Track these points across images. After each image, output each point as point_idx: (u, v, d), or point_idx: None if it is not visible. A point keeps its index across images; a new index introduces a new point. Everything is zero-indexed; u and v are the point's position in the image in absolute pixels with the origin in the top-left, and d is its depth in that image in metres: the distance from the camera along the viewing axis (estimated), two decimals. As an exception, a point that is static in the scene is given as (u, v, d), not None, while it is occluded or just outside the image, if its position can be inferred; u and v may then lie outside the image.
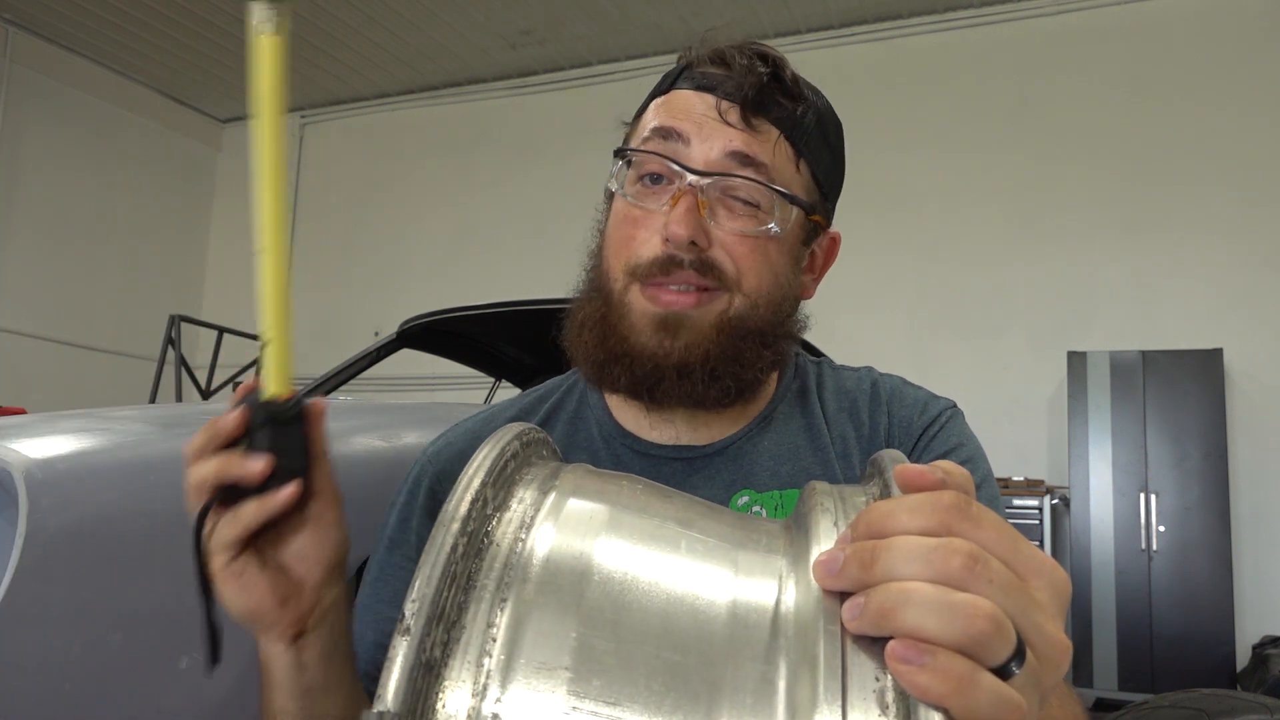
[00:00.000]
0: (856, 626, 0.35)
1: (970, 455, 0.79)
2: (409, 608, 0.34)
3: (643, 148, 0.76)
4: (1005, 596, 0.35)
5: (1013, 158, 5.70)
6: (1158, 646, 4.64)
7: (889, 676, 0.34)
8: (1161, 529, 4.73)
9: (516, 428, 0.46)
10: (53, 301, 6.89)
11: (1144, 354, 4.90)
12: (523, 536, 0.40)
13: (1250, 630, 4.75)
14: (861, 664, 0.34)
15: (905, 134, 5.96)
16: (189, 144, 8.00)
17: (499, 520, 0.40)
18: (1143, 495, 4.79)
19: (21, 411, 4.44)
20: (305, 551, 0.62)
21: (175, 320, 5.65)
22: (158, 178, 7.69)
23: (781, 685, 0.35)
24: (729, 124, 0.74)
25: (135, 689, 1.02)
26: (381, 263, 7.40)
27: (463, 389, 5.75)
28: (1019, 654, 0.35)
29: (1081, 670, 4.74)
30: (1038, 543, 4.86)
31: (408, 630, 0.33)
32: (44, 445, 1.09)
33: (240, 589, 0.60)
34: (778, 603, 0.38)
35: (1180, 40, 5.45)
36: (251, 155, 0.58)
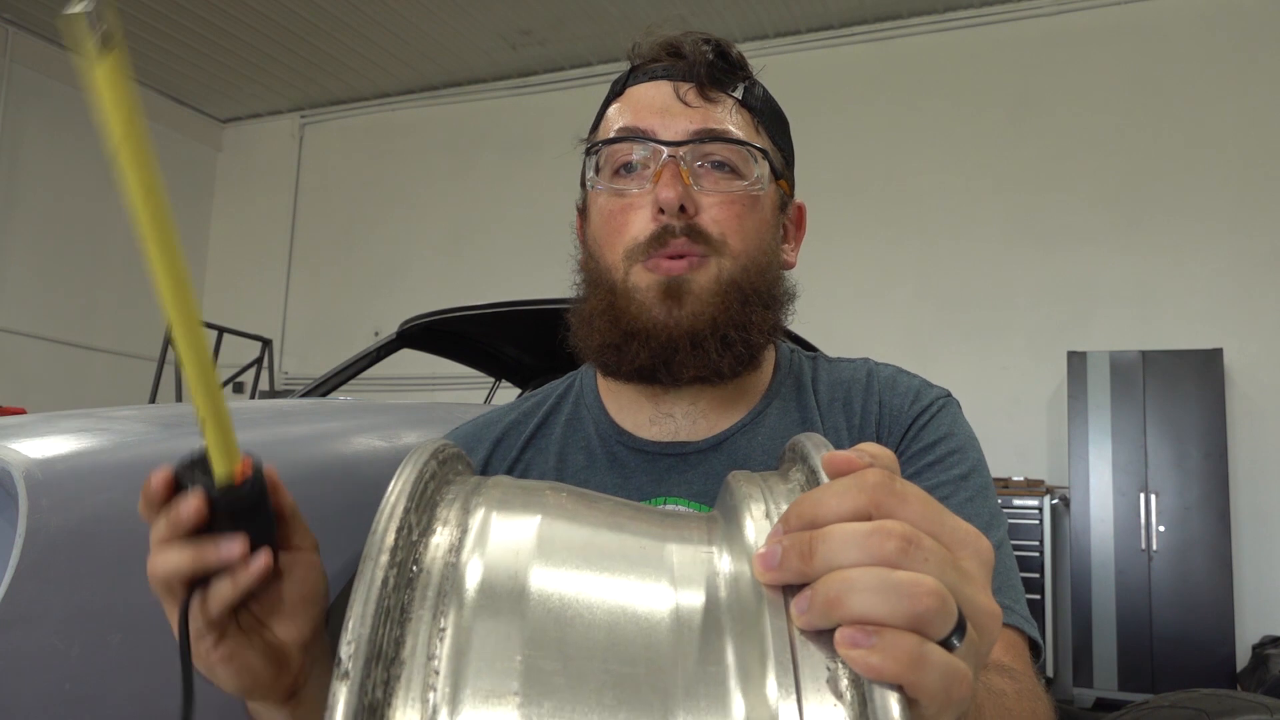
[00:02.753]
0: (806, 621, 0.35)
1: (960, 445, 0.79)
2: (344, 650, 0.33)
3: (614, 138, 0.79)
4: (941, 572, 0.36)
5: (1012, 158, 5.70)
6: (1158, 646, 4.64)
7: (840, 663, 0.34)
8: (1161, 529, 4.73)
9: (431, 445, 0.44)
10: (53, 301, 6.89)
11: (1144, 354, 4.90)
12: (453, 560, 0.38)
13: (1250, 630, 4.75)
14: (811, 655, 0.34)
15: (905, 134, 5.96)
16: (189, 144, 8.00)
17: (426, 546, 0.39)
18: (1143, 495, 4.79)
19: (21, 411, 4.44)
20: (289, 610, 0.60)
21: (175, 320, 5.65)
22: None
23: (733, 684, 0.35)
24: (689, 105, 0.78)
25: (135, 689, 1.02)
26: (381, 263, 7.40)
27: (463, 389, 5.76)
28: (960, 627, 0.35)
29: (1081, 670, 4.74)
30: (1037, 543, 4.86)
31: (346, 674, 0.32)
32: (44, 445, 1.09)
33: (233, 670, 0.58)
34: (719, 602, 0.38)
35: (1180, 40, 5.45)
36: (132, 214, 0.48)
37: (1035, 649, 0.73)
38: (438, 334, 2.64)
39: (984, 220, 5.71)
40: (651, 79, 0.80)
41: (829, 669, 0.34)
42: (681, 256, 0.76)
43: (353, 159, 7.77)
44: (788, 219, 0.86)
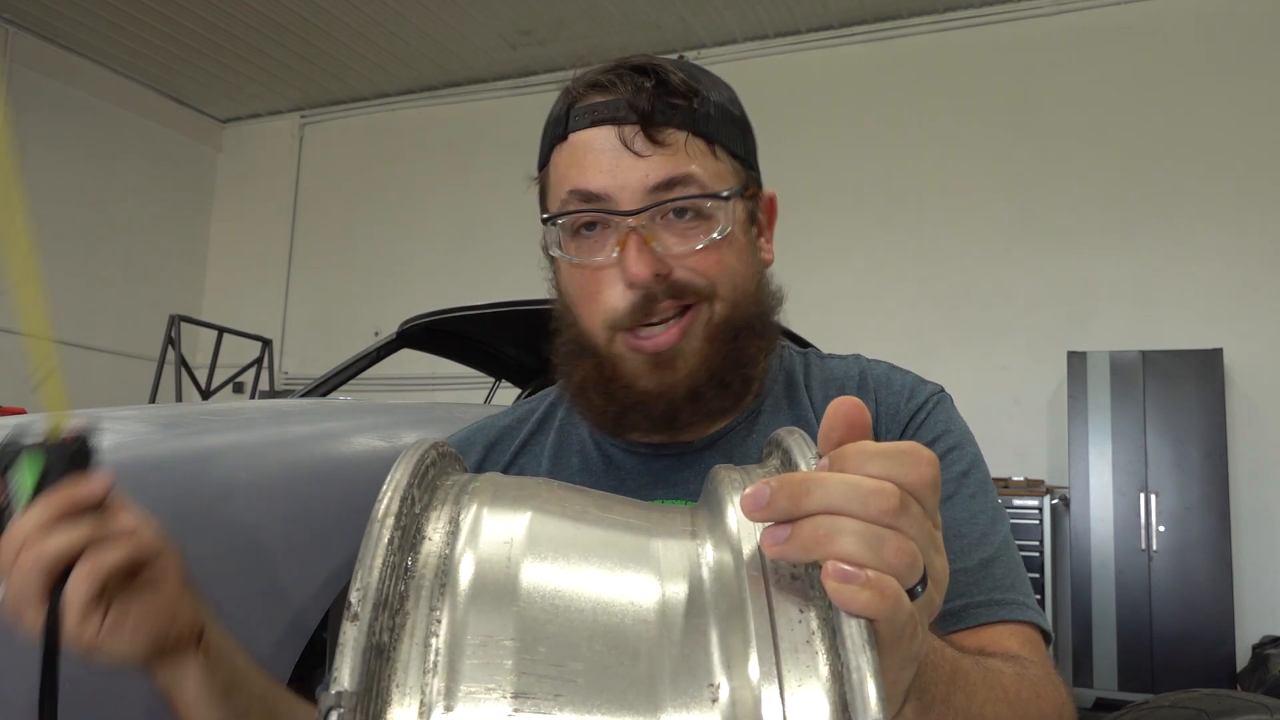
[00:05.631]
0: (780, 551, 0.38)
1: (958, 441, 0.80)
2: (354, 596, 0.35)
3: (568, 210, 0.75)
4: (919, 534, 0.40)
5: (1012, 158, 5.70)
6: (1158, 646, 4.64)
7: (811, 609, 0.37)
8: (1161, 529, 4.73)
9: (429, 441, 0.47)
10: (53, 301, 6.84)
11: (1144, 354, 4.90)
12: (452, 530, 0.41)
13: (1250, 630, 4.75)
14: (784, 605, 0.37)
15: (905, 134, 5.96)
16: (189, 144, 7.99)
17: (428, 518, 0.42)
18: (1143, 495, 4.78)
19: (21, 411, 4.44)
20: (154, 573, 0.62)
21: (175, 320, 5.65)
22: (158, 178, 7.68)
23: (714, 634, 0.37)
24: (638, 153, 0.73)
25: (135, 689, 1.02)
26: (381, 263, 7.40)
27: (463, 389, 5.75)
28: (922, 580, 0.40)
29: (1081, 670, 4.74)
30: (1037, 543, 4.86)
31: (355, 616, 0.35)
32: (44, 445, 1.09)
33: (134, 628, 0.59)
34: (703, 589, 0.40)
35: (1180, 40, 5.45)
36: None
37: (1046, 638, 0.74)
38: (438, 334, 2.64)
39: (984, 220, 5.71)
40: (594, 122, 0.75)
41: (801, 612, 0.37)
42: (667, 320, 0.74)
43: (353, 159, 7.77)
44: (760, 215, 0.83)
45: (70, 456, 0.56)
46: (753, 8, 6.09)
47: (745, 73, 6.28)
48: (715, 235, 0.74)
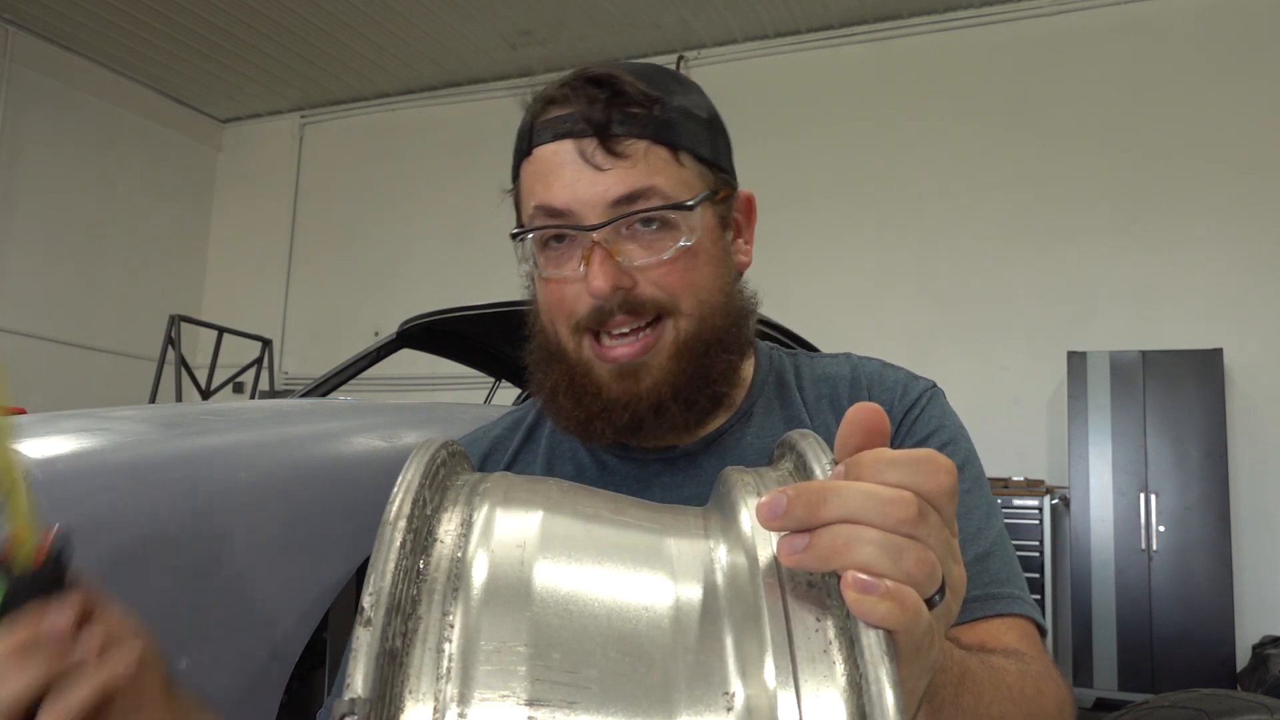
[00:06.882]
0: (796, 561, 0.38)
1: (952, 437, 0.80)
2: (367, 600, 0.35)
3: (534, 226, 0.75)
4: (937, 543, 0.39)
5: (1012, 158, 5.70)
6: (1158, 646, 4.64)
7: (829, 617, 0.37)
8: (1161, 529, 4.73)
9: (439, 440, 0.46)
10: (53, 301, 6.89)
11: (1144, 354, 4.90)
12: (465, 532, 0.41)
13: (1250, 630, 4.75)
14: (800, 613, 0.37)
15: (905, 134, 5.96)
16: (189, 144, 7.99)
17: (440, 519, 0.41)
18: (1143, 495, 4.78)
19: (21, 411, 4.43)
20: (133, 698, 0.57)
21: (175, 320, 5.65)
22: (158, 178, 7.68)
23: (729, 641, 0.37)
24: (598, 167, 0.72)
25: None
26: (381, 263, 7.40)
27: (463, 389, 5.75)
28: (940, 590, 0.40)
29: (1081, 670, 4.74)
30: (1037, 543, 4.86)
31: (369, 621, 0.34)
32: (44, 445, 1.09)
33: None
34: (717, 592, 0.39)
35: (1180, 40, 5.45)
36: None
37: (1041, 632, 0.75)
38: (438, 334, 2.64)
39: (984, 220, 5.71)
40: (555, 136, 0.74)
41: (818, 621, 0.37)
42: (626, 333, 0.74)
43: (353, 159, 7.77)
44: (736, 215, 0.82)
45: (37, 579, 0.50)
46: (753, 8, 6.09)
47: (745, 73, 6.29)
48: (682, 243, 0.74)
